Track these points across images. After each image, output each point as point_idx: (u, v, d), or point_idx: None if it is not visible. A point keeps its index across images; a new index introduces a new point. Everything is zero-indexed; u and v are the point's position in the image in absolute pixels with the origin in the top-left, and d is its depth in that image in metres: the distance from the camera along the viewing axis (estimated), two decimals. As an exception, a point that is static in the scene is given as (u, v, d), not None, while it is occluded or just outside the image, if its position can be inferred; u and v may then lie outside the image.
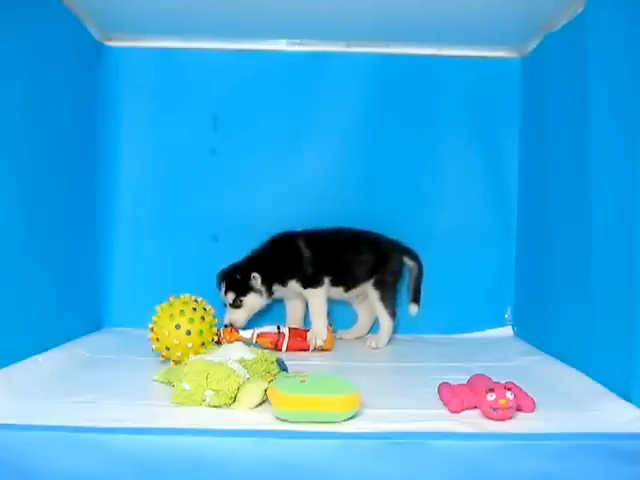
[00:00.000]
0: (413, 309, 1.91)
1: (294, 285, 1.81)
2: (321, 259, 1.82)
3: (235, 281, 1.76)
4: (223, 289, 1.77)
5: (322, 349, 1.76)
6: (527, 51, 1.93)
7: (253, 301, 1.77)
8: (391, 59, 1.98)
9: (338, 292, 1.87)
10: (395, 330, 1.88)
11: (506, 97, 1.99)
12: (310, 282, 1.81)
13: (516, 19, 1.74)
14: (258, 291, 1.77)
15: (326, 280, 1.83)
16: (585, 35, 1.45)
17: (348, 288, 1.87)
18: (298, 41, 1.96)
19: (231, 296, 1.75)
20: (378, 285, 1.86)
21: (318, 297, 1.82)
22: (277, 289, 1.81)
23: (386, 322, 1.84)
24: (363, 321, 1.96)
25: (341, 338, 1.91)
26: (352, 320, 1.97)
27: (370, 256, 1.87)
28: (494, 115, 2.00)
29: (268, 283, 1.78)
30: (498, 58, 1.99)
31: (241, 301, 1.76)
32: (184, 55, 1.97)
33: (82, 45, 1.80)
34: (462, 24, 1.77)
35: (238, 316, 1.75)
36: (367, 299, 1.90)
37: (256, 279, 1.76)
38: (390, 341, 1.84)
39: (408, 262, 1.93)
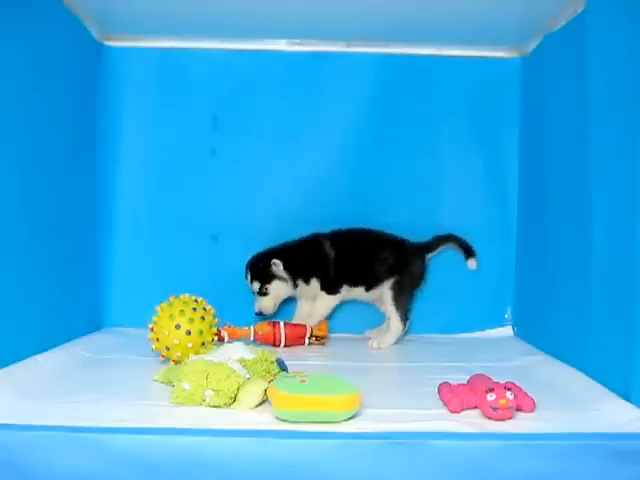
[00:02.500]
0: (472, 263, 1.91)
1: (315, 284, 1.84)
2: (344, 259, 1.85)
3: (258, 269, 1.81)
4: (249, 278, 1.82)
5: (317, 337, 1.79)
6: (527, 51, 1.93)
7: (278, 288, 1.82)
8: (391, 59, 1.98)
9: (359, 292, 1.88)
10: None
11: (506, 97, 1.99)
12: (328, 287, 1.84)
13: (516, 19, 1.74)
14: (282, 278, 1.81)
15: (343, 289, 1.85)
16: (585, 35, 1.45)
17: (369, 287, 1.87)
18: (298, 41, 1.96)
19: (256, 285, 1.81)
20: (394, 287, 1.86)
21: (329, 302, 1.86)
22: (300, 285, 1.84)
23: (396, 324, 1.84)
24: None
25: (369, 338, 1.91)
26: (356, 321, 1.97)
27: (391, 255, 1.87)
28: (494, 115, 2.00)
29: (293, 274, 1.82)
30: (498, 58, 1.99)
31: (266, 289, 1.81)
32: (184, 55, 1.97)
33: (82, 45, 1.80)
34: (462, 24, 1.77)
35: (266, 303, 1.82)
36: None
37: (277, 265, 1.80)
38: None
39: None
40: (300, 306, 1.92)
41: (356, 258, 1.86)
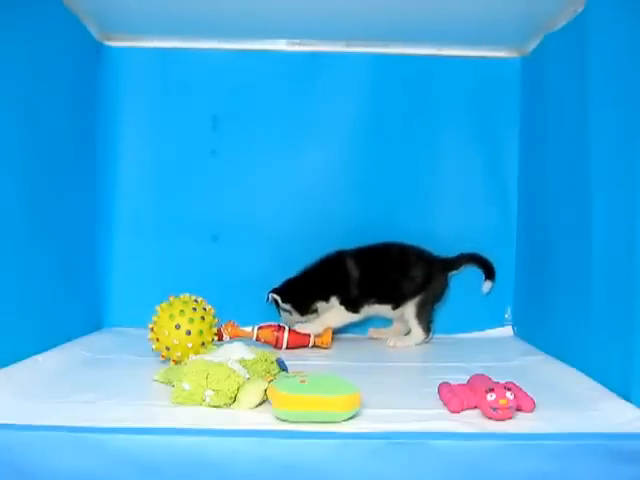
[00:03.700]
0: (487, 286, 1.92)
1: (334, 301, 1.84)
2: (370, 278, 1.83)
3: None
4: None
5: (320, 346, 1.77)
6: (527, 51, 1.93)
7: (283, 315, 1.85)
8: (391, 59, 1.98)
9: (385, 310, 1.87)
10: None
11: (506, 97, 1.99)
12: (349, 304, 1.83)
13: (516, 19, 1.74)
14: (283, 309, 1.84)
15: (364, 309, 1.84)
16: (585, 35, 1.45)
17: (397, 305, 1.87)
18: (298, 41, 1.96)
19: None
20: (418, 304, 1.85)
21: (344, 317, 1.84)
22: (321, 306, 1.85)
23: (418, 332, 1.84)
24: (397, 326, 1.94)
25: (372, 337, 1.93)
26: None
27: (420, 273, 1.86)
28: (494, 115, 2.00)
29: (303, 304, 1.84)
30: (498, 58, 1.99)
31: (279, 311, 1.85)
32: (184, 55, 1.97)
33: (82, 45, 1.80)
34: (462, 24, 1.77)
35: (283, 320, 1.85)
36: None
37: (276, 300, 1.82)
38: (390, 341, 1.84)
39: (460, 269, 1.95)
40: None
41: (384, 277, 1.84)
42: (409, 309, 1.86)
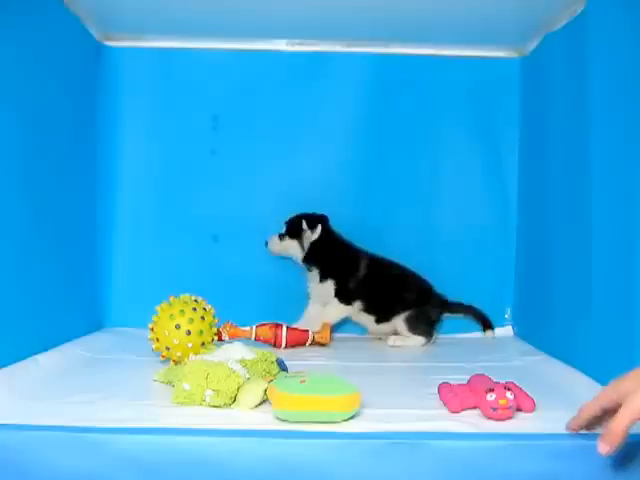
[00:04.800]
0: (489, 334, 1.93)
1: (329, 287, 1.84)
2: (370, 282, 1.85)
3: (294, 221, 1.89)
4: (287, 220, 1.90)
5: (319, 343, 1.78)
6: (527, 51, 1.93)
7: (285, 240, 1.88)
8: (391, 59, 1.98)
9: (369, 320, 1.89)
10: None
11: (506, 97, 1.99)
12: (343, 295, 1.84)
13: (516, 19, 1.74)
14: (300, 241, 1.86)
15: (356, 304, 1.86)
16: (585, 35, 1.45)
17: (379, 320, 1.88)
18: (298, 41, 1.96)
19: (283, 229, 1.89)
20: (408, 319, 1.86)
21: (340, 311, 1.86)
22: (314, 275, 1.86)
23: (418, 338, 1.85)
24: None
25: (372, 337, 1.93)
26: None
27: (411, 296, 1.87)
28: (494, 115, 2.00)
29: (311, 255, 1.86)
30: (498, 58, 1.99)
31: (284, 237, 1.89)
32: (184, 55, 1.97)
33: (82, 45, 1.80)
34: (462, 24, 1.77)
35: (271, 241, 1.89)
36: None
37: (299, 224, 1.86)
38: (390, 341, 1.85)
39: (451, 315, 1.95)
40: (309, 308, 1.90)
41: (381, 288, 1.87)
42: (399, 324, 1.86)
